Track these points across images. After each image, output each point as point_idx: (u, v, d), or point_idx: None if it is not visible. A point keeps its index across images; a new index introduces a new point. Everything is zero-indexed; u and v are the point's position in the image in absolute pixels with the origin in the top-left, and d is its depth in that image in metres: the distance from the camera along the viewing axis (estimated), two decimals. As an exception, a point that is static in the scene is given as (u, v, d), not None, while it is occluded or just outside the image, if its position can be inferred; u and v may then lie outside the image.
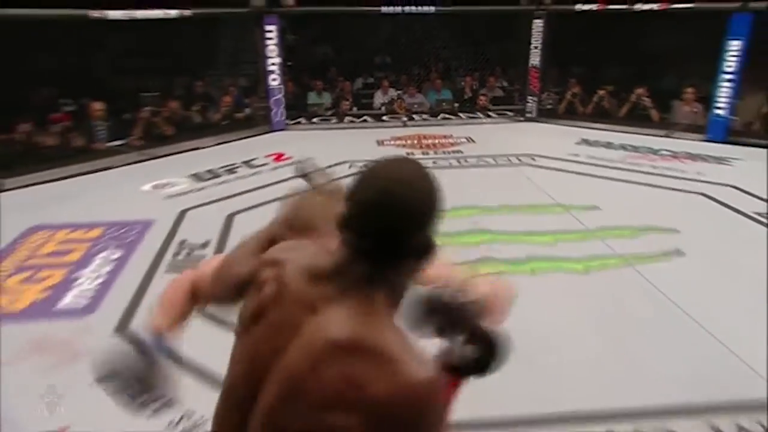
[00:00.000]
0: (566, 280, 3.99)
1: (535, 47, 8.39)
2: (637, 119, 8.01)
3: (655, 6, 7.60)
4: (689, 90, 7.75)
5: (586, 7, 8.05)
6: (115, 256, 4.49)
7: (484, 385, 1.45)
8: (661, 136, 7.59)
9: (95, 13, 6.47)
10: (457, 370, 1.26)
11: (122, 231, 4.91)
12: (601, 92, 8.33)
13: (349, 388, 0.95)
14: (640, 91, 8.06)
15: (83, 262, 4.39)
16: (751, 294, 3.80)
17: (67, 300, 3.88)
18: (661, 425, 2.68)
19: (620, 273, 4.09)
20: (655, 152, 6.95)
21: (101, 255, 4.51)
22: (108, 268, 4.29)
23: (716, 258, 4.30)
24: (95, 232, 4.87)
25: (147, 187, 6.00)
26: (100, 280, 4.12)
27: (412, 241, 1.06)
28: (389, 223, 1.04)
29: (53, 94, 7.09)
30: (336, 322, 1.02)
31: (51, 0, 6.23)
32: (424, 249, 1.08)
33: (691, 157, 6.74)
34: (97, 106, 7.03)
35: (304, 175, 1.59)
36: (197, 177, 6.28)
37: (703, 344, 3.30)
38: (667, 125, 7.83)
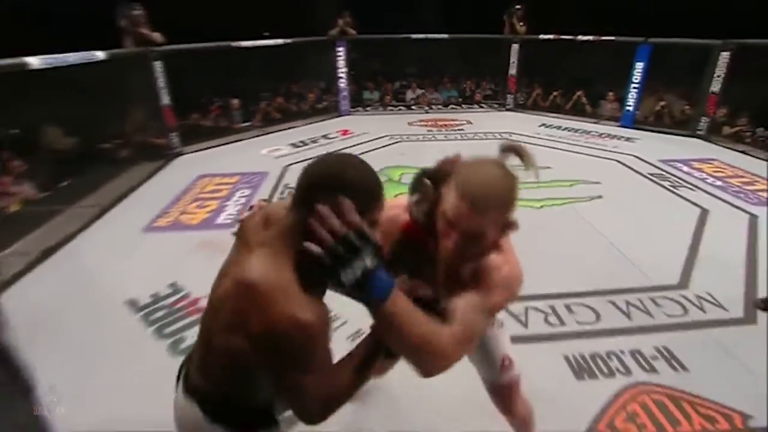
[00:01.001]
0: (527, 212, 4.03)
1: (513, 62, 8.13)
2: (578, 111, 7.80)
3: (590, 37, 7.32)
4: (611, 93, 7.52)
5: (547, 36, 7.76)
6: (246, 193, 4.64)
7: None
8: (592, 123, 7.40)
9: (234, 44, 6.53)
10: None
11: (250, 178, 5.05)
12: (555, 93, 8.11)
13: (239, 317, 0.89)
14: (579, 93, 7.83)
15: (228, 196, 4.56)
16: (640, 220, 3.87)
17: (221, 218, 4.08)
18: (581, 301, 2.80)
19: (562, 209, 4.12)
20: (587, 133, 6.80)
21: (238, 192, 4.66)
22: (243, 200, 4.46)
23: (622, 200, 4.32)
24: (234, 179, 5.03)
25: (264, 151, 6.10)
26: (238, 207, 4.29)
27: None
28: (316, 185, 0.88)
29: (208, 95, 7.22)
30: (253, 264, 0.90)
31: (207, 35, 6.39)
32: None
33: (610, 136, 6.59)
34: (235, 102, 7.14)
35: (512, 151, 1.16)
36: (294, 145, 6.35)
37: (609, 251, 3.38)
38: (596, 116, 7.62)
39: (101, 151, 5.52)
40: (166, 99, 5.76)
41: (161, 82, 5.67)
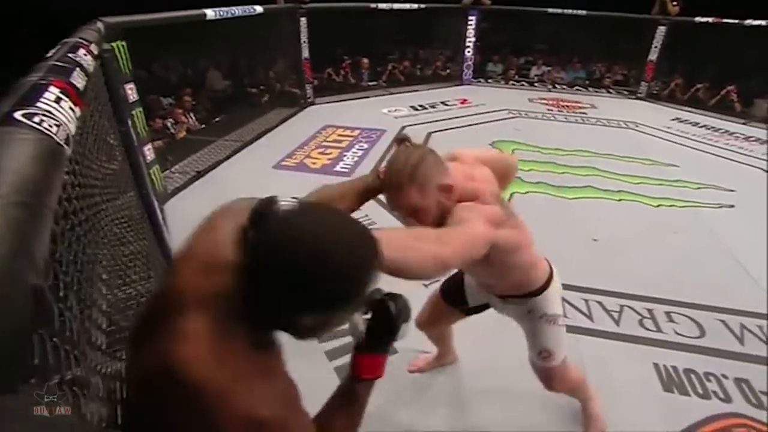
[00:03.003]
0: (642, 209, 3.61)
1: (655, 46, 7.05)
2: (724, 109, 6.55)
3: (763, 22, 6.00)
4: (773, 91, 6.19)
5: (704, 19, 6.54)
6: (364, 147, 4.74)
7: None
8: (740, 123, 6.19)
9: (371, 5, 6.52)
10: (368, 348, 0.80)
11: (369, 134, 5.14)
12: (699, 85, 6.91)
13: (162, 424, 0.59)
14: (730, 87, 6.55)
15: (348, 148, 4.70)
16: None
17: (339, 166, 4.24)
18: (685, 312, 2.47)
19: (683, 212, 3.60)
20: (731, 134, 5.75)
21: (357, 145, 4.78)
22: (360, 153, 4.57)
23: (761, 214, 3.57)
24: (355, 133, 5.16)
25: (385, 110, 6.13)
26: (355, 158, 4.42)
27: (292, 316, 0.63)
28: (281, 289, 0.58)
29: (341, 53, 7.35)
30: (183, 339, 0.59)
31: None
32: (300, 328, 0.66)
33: (760, 141, 5.47)
34: (365, 61, 7.20)
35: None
36: (413, 108, 6.29)
37: (731, 267, 2.89)
38: (746, 116, 6.36)
39: (248, 94, 6.00)
40: (306, 53, 6.01)
41: (304, 36, 5.92)
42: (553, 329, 1.43)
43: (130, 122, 2.36)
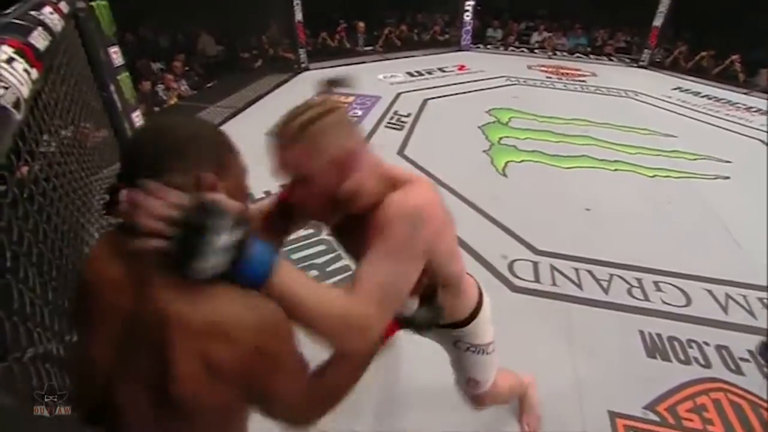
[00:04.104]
0: (637, 179, 3.58)
1: (661, 12, 6.81)
2: (727, 78, 6.39)
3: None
4: (778, 60, 6.03)
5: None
6: (359, 113, 4.65)
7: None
8: (741, 93, 6.05)
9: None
10: (406, 324, 0.86)
11: (364, 100, 5.03)
12: (703, 53, 6.72)
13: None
14: (735, 57, 6.37)
15: (342, 116, 4.62)
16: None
17: (333, 135, 4.17)
18: (673, 281, 2.47)
19: (677, 182, 3.57)
20: (732, 104, 5.63)
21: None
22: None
23: (755, 185, 3.54)
24: (350, 99, 5.04)
25: (381, 76, 5.98)
26: (350, 128, 4.35)
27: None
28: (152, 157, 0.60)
29: (336, 16, 7.10)
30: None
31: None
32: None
33: (761, 112, 5.34)
34: (361, 25, 6.97)
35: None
36: (410, 74, 6.14)
37: (722, 237, 2.90)
38: (749, 86, 6.21)
39: (241, 59, 5.85)
40: (299, 15, 5.80)
41: (297, -2, 5.70)
42: (481, 359, 1.24)
43: (114, 87, 2.28)
